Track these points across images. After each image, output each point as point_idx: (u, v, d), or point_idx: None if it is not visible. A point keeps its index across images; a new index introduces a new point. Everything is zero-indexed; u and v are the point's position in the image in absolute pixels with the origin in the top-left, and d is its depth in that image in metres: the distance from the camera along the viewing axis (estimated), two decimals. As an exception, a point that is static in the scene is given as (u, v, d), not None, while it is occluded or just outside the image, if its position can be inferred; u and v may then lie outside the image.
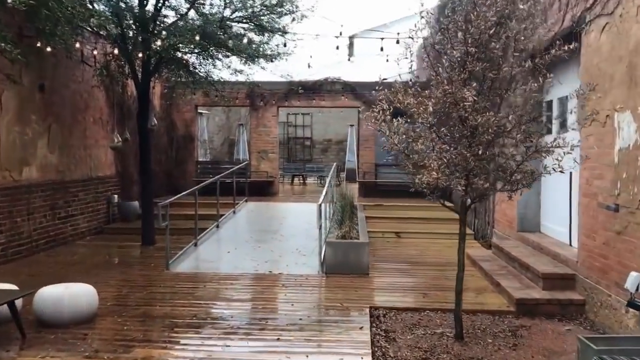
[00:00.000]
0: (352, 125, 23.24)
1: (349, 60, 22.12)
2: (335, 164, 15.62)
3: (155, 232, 10.64)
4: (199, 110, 18.59)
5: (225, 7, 10.12)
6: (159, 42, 9.09)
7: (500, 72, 5.16)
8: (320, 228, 8.77)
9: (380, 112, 5.68)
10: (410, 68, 7.09)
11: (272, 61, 10.87)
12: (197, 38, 9.02)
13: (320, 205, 8.45)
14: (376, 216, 12.86)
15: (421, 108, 5.26)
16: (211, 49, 10.77)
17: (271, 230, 11.41)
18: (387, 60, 14.87)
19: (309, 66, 15.84)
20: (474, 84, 5.18)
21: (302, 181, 22.49)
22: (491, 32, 5.12)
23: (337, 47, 15.29)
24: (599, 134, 6.10)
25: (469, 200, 5.88)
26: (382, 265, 8.95)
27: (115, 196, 12.83)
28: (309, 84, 16.56)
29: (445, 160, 5.21)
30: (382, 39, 15.00)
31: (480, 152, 5.31)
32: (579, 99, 5.62)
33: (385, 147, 6.04)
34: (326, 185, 11.02)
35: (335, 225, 9.81)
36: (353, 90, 16.45)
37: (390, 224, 12.56)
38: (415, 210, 13.78)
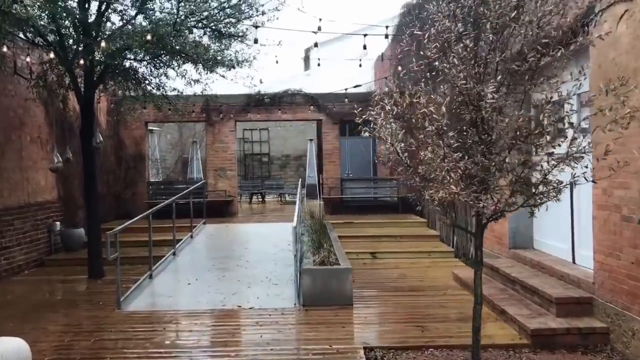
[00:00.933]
0: (311, 140, 22.35)
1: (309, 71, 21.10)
2: (300, 180, 14.64)
3: (104, 263, 9.35)
4: (150, 127, 17.32)
5: (178, 10, 9.03)
6: (103, 44, 7.92)
7: (524, 64, 4.29)
8: (296, 253, 7.75)
9: (381, 114, 4.71)
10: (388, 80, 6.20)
11: (233, 67, 9.82)
12: (149, 38, 7.89)
13: (295, 227, 7.43)
14: (347, 235, 11.89)
15: (431, 109, 4.32)
16: (163, 56, 9.67)
17: (235, 256, 10.28)
18: (361, 65, 14.02)
19: (260, 82, 14.92)
20: (492, 80, 4.31)
21: (261, 199, 21.39)
22: (512, 15, 4.26)
23: (309, 52, 14.38)
24: (620, 137, 5.33)
25: (475, 220, 4.93)
26: (364, 293, 7.97)
27: (58, 223, 11.44)
28: (268, 96, 15.57)
29: (460, 171, 4.29)
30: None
31: (502, 160, 4.43)
32: (592, 99, 4.86)
33: (380, 158, 5.11)
34: (297, 203, 10.00)
35: (308, 248, 8.79)
36: (315, 102, 15.54)
37: (363, 243, 11.62)
38: (388, 227, 12.94)
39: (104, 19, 9.13)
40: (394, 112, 4.72)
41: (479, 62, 4.33)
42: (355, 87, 13.77)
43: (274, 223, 13.89)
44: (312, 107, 15.52)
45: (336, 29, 27.90)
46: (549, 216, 7.69)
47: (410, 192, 9.66)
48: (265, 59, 11.38)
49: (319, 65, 12.16)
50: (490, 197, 4.51)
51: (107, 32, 9.05)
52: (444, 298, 7.70)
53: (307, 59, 25.59)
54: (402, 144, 4.68)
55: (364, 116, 4.96)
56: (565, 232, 7.26)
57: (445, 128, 4.38)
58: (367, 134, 5.03)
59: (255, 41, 9.40)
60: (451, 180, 4.23)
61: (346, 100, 14.32)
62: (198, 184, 14.14)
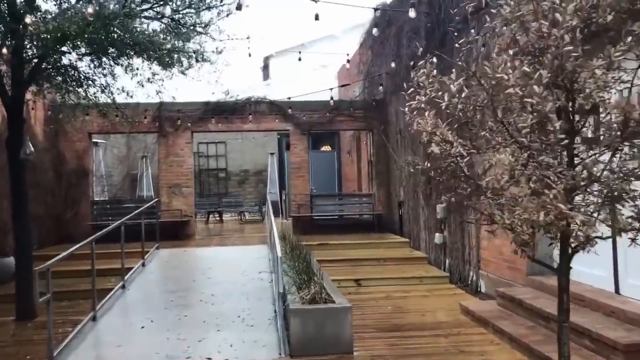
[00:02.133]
0: (272, 154, 20.89)
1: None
2: (268, 196, 13.14)
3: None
4: (94, 140, 15.48)
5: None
6: (31, 24, 6.28)
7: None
8: (281, 290, 6.24)
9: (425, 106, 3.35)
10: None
11: (197, 61, 8.30)
12: (91, 19, 6.30)
13: (279, 256, 5.92)
14: (324, 259, 10.43)
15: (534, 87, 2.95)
16: (110, 49, 8.07)
17: (197, 289, 8.65)
18: (347, 64, 12.72)
19: (227, 93, 13.43)
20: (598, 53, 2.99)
21: (218, 219, 19.69)
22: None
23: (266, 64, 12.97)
24: None
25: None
26: (362, 334, 6.52)
27: (-20, 252, 9.56)
28: (229, 104, 14.04)
29: (564, 181, 2.94)
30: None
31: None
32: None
33: (418, 166, 3.76)
34: (272, 223, 8.47)
35: (290, 280, 7.27)
36: (281, 110, 14.08)
37: (344, 268, 10.20)
38: (368, 248, 11.58)
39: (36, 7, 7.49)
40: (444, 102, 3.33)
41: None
42: (342, 86, 12.39)
43: (237, 246, 12.33)
44: (278, 116, 14.06)
45: (298, 38, 26.65)
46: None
47: (458, 210, 8.30)
48: (231, 57, 9.91)
49: (299, 60, 10.72)
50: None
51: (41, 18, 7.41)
52: (460, 339, 6.33)
53: (266, 68, 24.17)
54: (460, 147, 3.30)
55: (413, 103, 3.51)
56: (603, 255, 6.02)
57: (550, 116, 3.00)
58: (415, 126, 3.59)
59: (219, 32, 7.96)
60: (554, 196, 2.86)
61: (333, 98, 12.96)
62: (150, 202, 12.43)
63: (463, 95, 3.23)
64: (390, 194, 14.05)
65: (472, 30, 8.08)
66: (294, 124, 14.09)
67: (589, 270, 6.38)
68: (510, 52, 3.16)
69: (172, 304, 7.84)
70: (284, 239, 10.01)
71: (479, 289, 8.64)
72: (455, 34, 8.58)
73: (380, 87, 13.03)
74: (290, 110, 13.17)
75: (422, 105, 3.46)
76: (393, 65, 10.19)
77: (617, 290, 5.94)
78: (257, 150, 22.15)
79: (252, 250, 11.47)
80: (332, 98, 11.18)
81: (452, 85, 3.24)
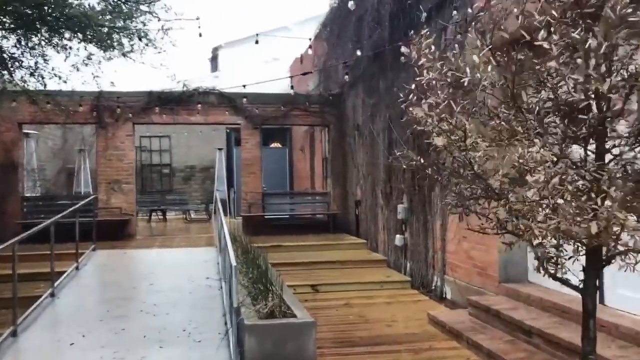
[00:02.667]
0: (220, 149, 19.94)
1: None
2: (217, 194, 12.28)
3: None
4: (25, 130, 14.19)
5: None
6: None
7: None
8: (229, 297, 5.48)
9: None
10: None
11: (140, 39, 7.38)
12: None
13: (233, 265, 5.14)
14: (278, 262, 9.69)
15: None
16: (40, 26, 7.08)
17: (137, 297, 7.75)
18: (310, 50, 12.02)
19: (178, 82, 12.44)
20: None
21: (161, 217, 18.60)
22: None
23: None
24: None
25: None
26: (323, 350, 5.84)
27: None
28: (175, 95, 13.08)
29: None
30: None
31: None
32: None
33: (413, 161, 3.13)
34: (223, 224, 7.64)
35: (243, 288, 6.51)
36: (232, 103, 13.23)
37: (299, 272, 9.51)
38: (324, 250, 10.94)
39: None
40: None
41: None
42: (303, 74, 11.63)
43: (182, 248, 11.42)
44: (228, 108, 13.21)
45: (248, 29, 25.71)
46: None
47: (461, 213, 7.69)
48: (179, 45, 9.03)
49: (256, 42, 9.89)
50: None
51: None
52: (433, 355, 5.74)
53: (214, 59, 23.15)
54: (476, 137, 2.66)
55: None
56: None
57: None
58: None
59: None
60: (613, 201, 2.24)
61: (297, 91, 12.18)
62: (87, 199, 11.35)
63: (490, 68, 2.56)
64: (347, 192, 13.45)
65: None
66: (245, 118, 13.27)
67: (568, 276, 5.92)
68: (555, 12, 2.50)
69: (108, 315, 6.92)
70: (235, 240, 9.21)
71: (444, 296, 8.12)
72: (423, 20, 8.03)
73: (346, 77, 12.28)
74: (245, 100, 12.35)
75: (434, 82, 2.74)
76: (359, 53, 9.53)
77: (601, 301, 5.49)
78: (204, 145, 21.16)
79: (198, 252, 10.61)
80: (292, 87, 10.23)
81: (474, 57, 2.57)
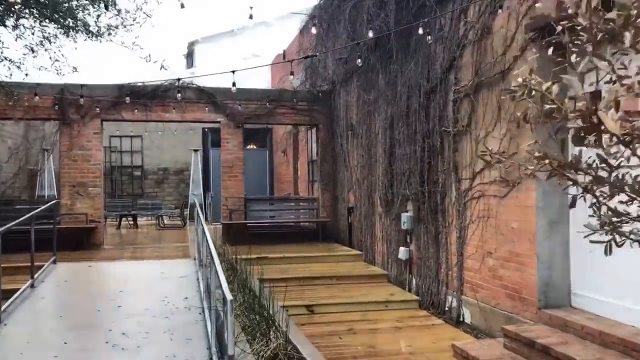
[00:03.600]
0: (196, 151, 18.65)
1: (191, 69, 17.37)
2: (195, 199, 11.04)
3: None
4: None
5: None
6: None
7: None
8: (215, 330, 4.31)
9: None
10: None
11: (106, 8, 6.16)
12: None
13: (228, 299, 3.96)
14: (265, 277, 8.54)
15: None
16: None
17: (103, 323, 6.49)
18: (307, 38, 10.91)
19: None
20: None
21: (132, 223, 17.22)
22: None
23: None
24: None
25: None
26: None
27: None
28: (148, 89, 11.83)
29: None
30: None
31: None
32: None
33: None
34: (205, 233, 6.39)
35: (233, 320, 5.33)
36: (212, 98, 12.02)
37: (290, 289, 8.29)
38: (315, 262, 9.85)
39: None
40: None
41: None
42: (306, 57, 10.42)
43: (155, 260, 10.15)
44: (208, 105, 11.99)
45: (226, 24, 24.44)
46: (605, 256, 4.96)
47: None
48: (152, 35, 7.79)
49: (251, 15, 8.68)
50: None
51: None
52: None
53: (190, 56, 21.85)
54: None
55: None
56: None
57: None
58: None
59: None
60: None
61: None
62: (47, 204, 10.00)
63: None
64: (337, 198, 12.34)
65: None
66: (226, 115, 12.06)
67: (623, 302, 4.91)
68: None
69: (65, 349, 5.67)
70: (221, 254, 8.03)
71: (461, 319, 7.05)
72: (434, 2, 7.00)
73: (345, 69, 11.13)
74: (233, 88, 11.15)
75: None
76: (372, 33, 8.37)
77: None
78: (178, 146, 19.87)
79: (174, 266, 9.37)
80: (292, 73, 8.86)
81: None
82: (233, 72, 7.04)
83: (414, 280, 8.43)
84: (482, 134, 6.52)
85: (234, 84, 7.84)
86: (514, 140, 5.92)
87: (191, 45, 21.32)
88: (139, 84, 11.65)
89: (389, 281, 9.15)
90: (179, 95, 10.24)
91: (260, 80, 19.56)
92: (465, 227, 6.94)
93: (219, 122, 12.17)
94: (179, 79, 11.52)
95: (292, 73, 8.10)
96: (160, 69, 6.97)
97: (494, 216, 6.32)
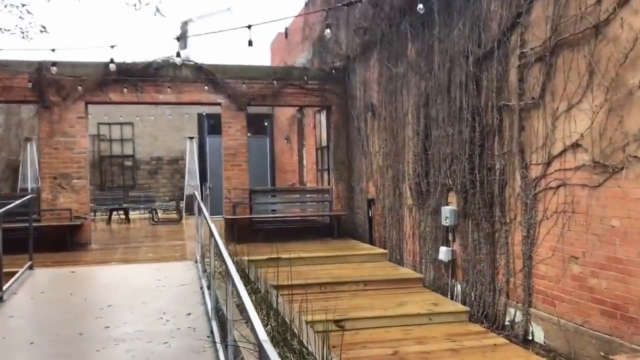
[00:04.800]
0: (192, 138, 17.22)
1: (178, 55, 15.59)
2: (193, 190, 9.65)
3: None
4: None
5: None
6: None
7: None
8: None
9: None
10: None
11: None
12: None
13: (260, 341, 2.59)
14: (280, 284, 7.19)
15: None
16: None
17: (86, 353, 5.10)
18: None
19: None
20: None
21: (123, 217, 15.80)
22: None
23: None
24: None
25: None
26: None
27: None
28: (138, 67, 10.38)
29: None
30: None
31: None
32: None
33: None
34: (214, 234, 4.99)
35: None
36: (211, 77, 10.58)
37: (312, 298, 6.95)
38: (335, 263, 8.65)
39: None
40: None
41: None
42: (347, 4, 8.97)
43: (150, 263, 8.79)
44: (207, 85, 10.55)
45: (221, 1, 22.83)
46: None
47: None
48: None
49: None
50: None
51: None
52: None
53: (183, 37, 20.30)
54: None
55: None
56: None
57: None
58: None
59: None
60: None
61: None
62: (21, 199, 8.55)
63: None
64: (353, 189, 10.97)
65: None
66: (228, 96, 10.62)
67: None
68: None
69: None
70: (220, 254, 6.65)
71: (529, 337, 5.72)
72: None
73: (363, 42, 9.72)
74: (219, 77, 9.60)
75: None
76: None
77: None
78: (172, 133, 18.42)
79: (172, 270, 7.99)
80: (328, 26, 7.01)
81: None
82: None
83: (458, 286, 7.09)
84: (564, 107, 5.15)
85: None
86: (615, 113, 4.56)
87: (184, 24, 19.78)
88: (128, 63, 10.20)
89: (425, 286, 7.82)
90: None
91: (260, 60, 18.15)
92: (536, 224, 5.59)
93: (219, 103, 10.73)
94: (167, 62, 10.11)
95: (327, 26, 6.60)
96: (155, 14, 5.53)
97: (583, 211, 4.97)
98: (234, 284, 3.49)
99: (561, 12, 5.13)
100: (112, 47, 8.03)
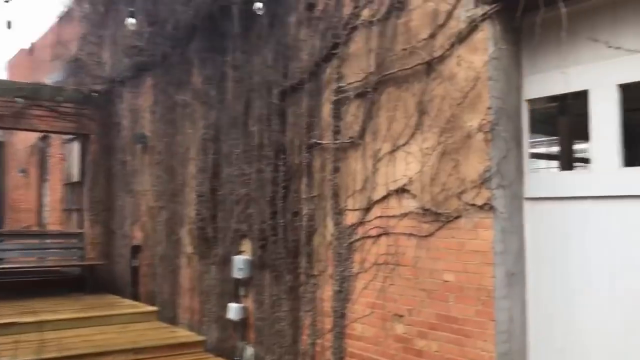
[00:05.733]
0: None
1: None
2: None
3: None
4: None
5: None
6: None
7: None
8: None
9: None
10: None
11: None
12: None
13: None
14: (19, 361, 5.37)
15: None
16: None
17: None
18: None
19: None
20: None
21: None
22: None
23: None
24: None
25: None
26: None
27: None
28: None
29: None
30: None
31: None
32: None
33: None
34: None
35: None
36: None
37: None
38: (94, 326, 6.94)
39: None
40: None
41: None
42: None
43: None
44: None
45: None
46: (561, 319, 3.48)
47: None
48: None
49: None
50: None
51: None
52: None
53: None
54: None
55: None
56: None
57: None
58: None
59: None
60: None
61: None
62: None
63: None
64: (114, 234, 9.31)
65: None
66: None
67: None
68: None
69: None
70: None
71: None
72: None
73: (134, 64, 8.36)
74: None
75: None
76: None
77: None
78: None
79: None
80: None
81: None
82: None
83: (250, 350, 6.12)
84: (387, 149, 4.67)
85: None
86: (449, 157, 4.19)
87: None
88: None
89: (207, 350, 6.66)
90: None
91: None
92: (352, 277, 4.97)
93: None
94: None
95: (131, 14, 5.21)
96: None
97: (410, 263, 4.48)
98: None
99: (387, 45, 4.70)
100: None
